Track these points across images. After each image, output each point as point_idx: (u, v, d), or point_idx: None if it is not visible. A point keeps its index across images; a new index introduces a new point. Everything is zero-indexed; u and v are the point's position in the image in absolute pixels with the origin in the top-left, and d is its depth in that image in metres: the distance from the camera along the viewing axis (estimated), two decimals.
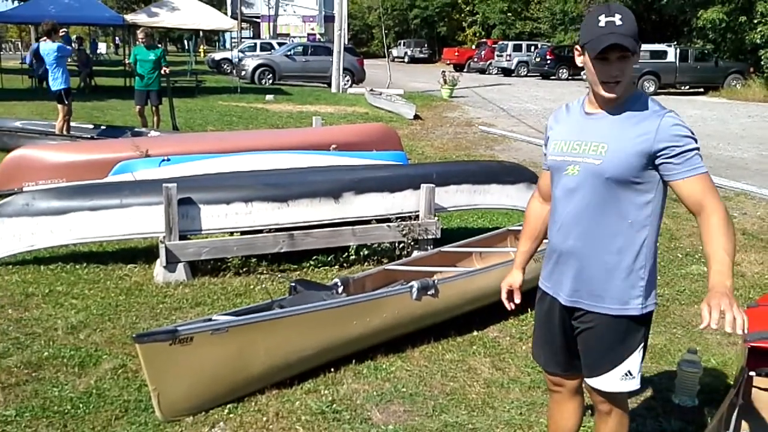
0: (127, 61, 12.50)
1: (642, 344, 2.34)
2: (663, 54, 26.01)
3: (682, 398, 3.56)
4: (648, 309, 2.31)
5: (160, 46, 13.08)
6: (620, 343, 2.31)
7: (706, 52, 27.56)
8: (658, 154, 2.16)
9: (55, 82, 10.30)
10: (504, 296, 2.65)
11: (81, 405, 3.31)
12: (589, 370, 2.40)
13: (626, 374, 2.33)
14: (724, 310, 1.95)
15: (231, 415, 3.27)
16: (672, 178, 2.19)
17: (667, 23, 33.12)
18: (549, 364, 2.59)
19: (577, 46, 2.26)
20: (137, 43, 12.03)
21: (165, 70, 11.52)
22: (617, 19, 2.14)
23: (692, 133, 2.19)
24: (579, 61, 2.28)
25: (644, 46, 26.41)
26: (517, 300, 2.64)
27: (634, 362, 2.33)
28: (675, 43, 27.52)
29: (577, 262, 2.32)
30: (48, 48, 10.22)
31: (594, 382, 2.39)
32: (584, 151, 2.26)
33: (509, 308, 2.66)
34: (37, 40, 25.38)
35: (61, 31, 10.50)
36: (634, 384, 2.36)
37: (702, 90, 26.63)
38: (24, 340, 4.01)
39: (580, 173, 2.26)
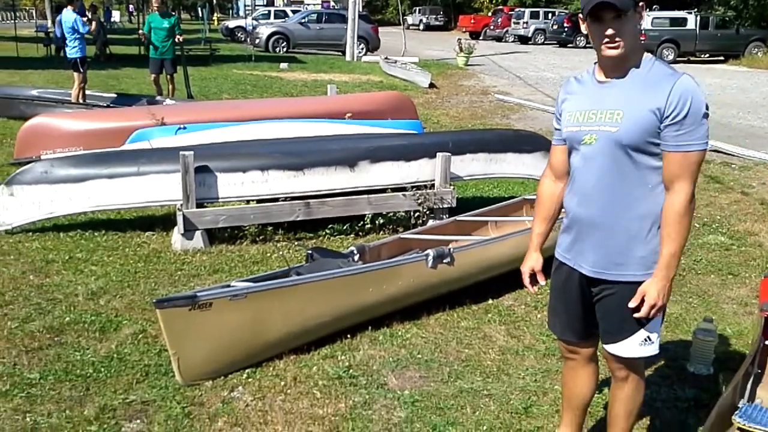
0: (141, 31, 12.41)
1: (662, 309, 2.35)
2: (683, 21, 25.57)
3: (697, 367, 3.57)
4: None
5: (174, 14, 13.00)
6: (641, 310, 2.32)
7: (727, 19, 27.05)
8: (666, 117, 2.15)
9: (72, 50, 10.33)
10: (527, 281, 2.62)
11: (102, 369, 3.38)
12: (609, 336, 2.42)
13: (645, 339, 2.35)
14: (653, 304, 2.24)
15: (249, 380, 3.33)
16: (663, 147, 2.19)
17: None
18: (565, 333, 2.60)
19: (581, 15, 2.26)
20: (151, 11, 11.99)
21: (179, 38, 11.49)
22: None
23: (704, 103, 2.16)
24: (583, 29, 2.28)
25: (664, 13, 26.02)
26: (542, 282, 2.62)
27: (653, 327, 2.34)
28: (695, 10, 27.04)
29: (600, 231, 2.32)
30: (67, 17, 10.25)
31: (613, 348, 2.41)
32: (600, 119, 2.26)
33: (533, 291, 2.65)
34: (53, 9, 25.34)
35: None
36: (653, 349, 2.37)
37: (722, 58, 26.23)
38: (46, 306, 4.08)
39: (598, 141, 2.26)
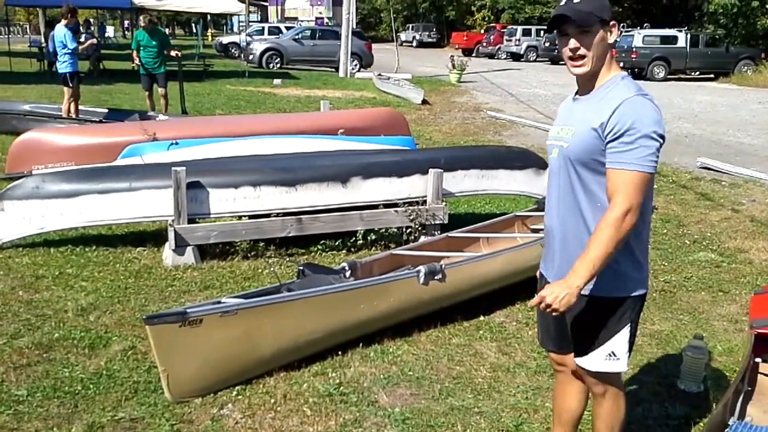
0: (135, 62, 12.05)
1: (627, 327, 2.35)
2: (673, 39, 25.80)
3: (687, 384, 3.57)
4: (623, 294, 2.31)
5: (164, 29, 12.85)
6: (601, 324, 2.34)
7: (717, 37, 27.32)
8: (607, 134, 2.17)
9: (62, 65, 10.34)
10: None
11: (91, 386, 3.36)
12: (576, 349, 2.46)
13: (610, 355, 2.36)
14: (546, 300, 2.15)
15: (239, 397, 3.31)
16: (606, 164, 2.19)
17: (677, 8, 32.86)
18: (545, 342, 2.68)
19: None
20: (138, 27, 11.97)
21: (177, 54, 11.54)
22: None
23: (650, 126, 2.12)
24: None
25: (655, 31, 26.27)
26: None
27: (617, 344, 2.35)
28: (686, 28, 27.28)
29: (558, 242, 2.41)
30: (59, 32, 10.27)
31: (581, 361, 2.44)
32: (562, 135, 2.36)
33: None
34: (47, 24, 25.43)
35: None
36: (620, 365, 2.38)
37: (712, 76, 26.43)
38: (35, 322, 4.05)
39: (558, 156, 2.36)
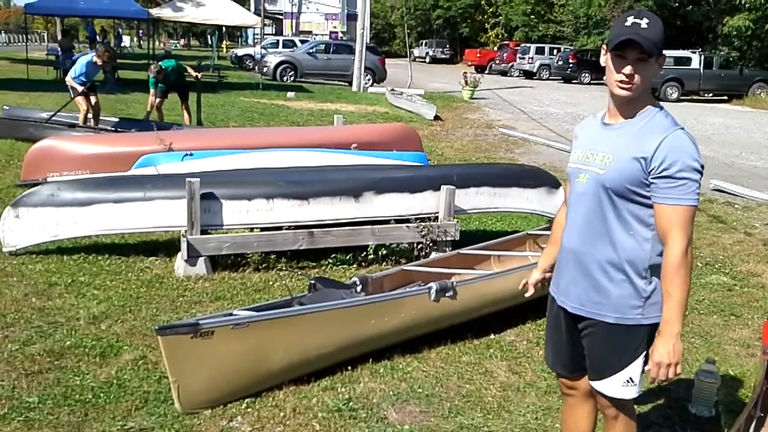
0: (147, 110, 11.92)
1: (644, 353, 2.36)
2: (687, 60, 25.81)
3: (699, 408, 3.55)
4: (648, 321, 2.31)
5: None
6: (622, 350, 2.34)
7: (731, 59, 27.30)
8: (651, 170, 2.18)
9: (71, 79, 10.43)
10: (520, 286, 2.78)
11: (102, 394, 3.37)
12: (593, 373, 2.45)
13: (627, 381, 2.37)
14: (665, 363, 2.18)
15: (249, 410, 3.31)
16: (653, 199, 2.20)
17: (692, 30, 32.81)
18: (556, 365, 2.67)
19: (604, 45, 2.29)
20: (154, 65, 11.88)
21: (198, 76, 11.93)
22: (644, 22, 2.18)
23: (696, 160, 2.16)
24: (603, 60, 2.30)
25: (668, 53, 26.07)
26: (530, 291, 2.74)
27: (635, 370, 2.36)
28: (700, 49, 27.30)
29: (579, 267, 2.38)
30: (83, 60, 10.34)
31: (597, 385, 2.44)
32: (594, 160, 2.33)
33: (526, 295, 2.76)
34: (63, 32, 25.67)
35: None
36: (635, 391, 2.39)
37: (726, 98, 26.39)
38: (47, 329, 4.07)
39: (588, 182, 2.33)
